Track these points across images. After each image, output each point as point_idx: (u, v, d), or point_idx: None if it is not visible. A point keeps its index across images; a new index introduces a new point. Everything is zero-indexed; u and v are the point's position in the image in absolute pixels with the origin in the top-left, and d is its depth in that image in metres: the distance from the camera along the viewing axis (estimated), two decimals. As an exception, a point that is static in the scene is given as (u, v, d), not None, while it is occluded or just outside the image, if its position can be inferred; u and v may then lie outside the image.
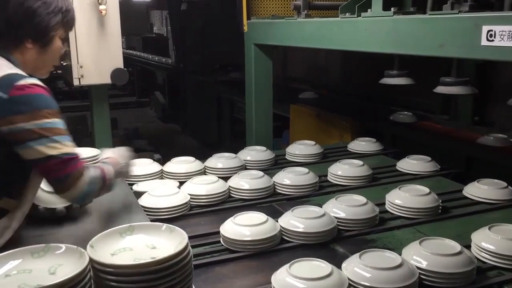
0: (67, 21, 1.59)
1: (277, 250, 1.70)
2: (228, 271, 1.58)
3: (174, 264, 1.03)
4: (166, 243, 1.13)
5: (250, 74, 3.18)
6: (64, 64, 3.02)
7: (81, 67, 2.81)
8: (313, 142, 2.81)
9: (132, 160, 1.80)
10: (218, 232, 1.76)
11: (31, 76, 1.49)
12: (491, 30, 1.52)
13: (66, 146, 1.44)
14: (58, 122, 1.45)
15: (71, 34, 2.82)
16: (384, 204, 2.03)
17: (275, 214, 1.92)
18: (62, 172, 1.43)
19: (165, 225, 1.17)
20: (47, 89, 1.47)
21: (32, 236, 1.62)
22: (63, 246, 1.07)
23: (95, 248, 1.07)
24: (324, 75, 4.80)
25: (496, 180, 2.15)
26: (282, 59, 5.35)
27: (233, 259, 1.65)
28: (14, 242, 1.47)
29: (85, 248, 1.07)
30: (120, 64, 2.90)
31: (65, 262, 1.04)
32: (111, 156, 1.71)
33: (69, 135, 1.48)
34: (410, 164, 2.50)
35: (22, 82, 1.41)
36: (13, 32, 1.50)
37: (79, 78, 2.83)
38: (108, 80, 2.89)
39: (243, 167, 2.49)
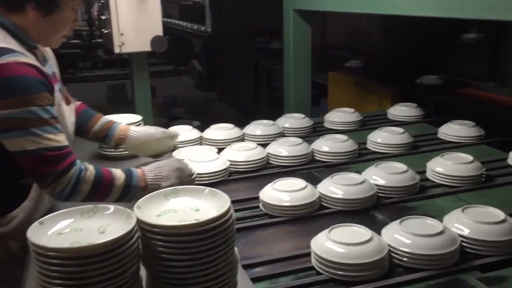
0: None
1: (316, 216, 1.71)
2: (268, 235, 1.61)
3: (218, 226, 1.06)
4: (209, 206, 1.15)
5: (289, 41, 3.14)
6: (105, 32, 3.07)
7: (121, 34, 2.85)
8: (352, 110, 2.77)
9: (182, 176, 1.59)
10: (257, 198, 1.79)
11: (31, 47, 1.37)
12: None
13: (47, 140, 1.28)
14: (40, 111, 1.27)
15: (111, 2, 2.85)
16: (425, 172, 2.00)
17: (313, 180, 1.92)
18: (41, 169, 1.30)
19: (208, 189, 1.20)
20: (34, 68, 1.30)
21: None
22: (111, 207, 1.11)
23: (141, 209, 1.10)
24: (364, 41, 4.69)
25: (543, 149, 2.08)
26: (320, 25, 5.25)
27: (273, 223, 1.67)
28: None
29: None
30: (160, 32, 2.92)
31: (114, 222, 1.08)
32: (143, 168, 1.53)
33: (54, 124, 1.31)
34: (453, 129, 2.44)
35: (4, 59, 1.25)
36: None
37: (120, 46, 2.87)
38: (147, 48, 2.92)
39: (281, 134, 2.50)
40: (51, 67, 1.54)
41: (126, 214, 1.08)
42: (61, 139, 1.32)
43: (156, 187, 1.47)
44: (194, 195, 1.19)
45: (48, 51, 1.58)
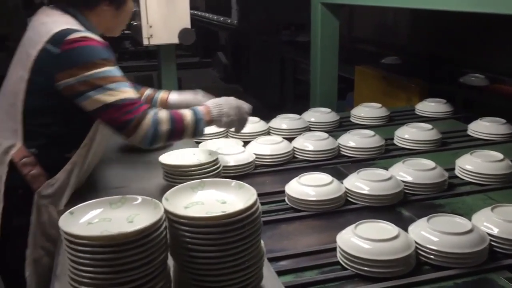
0: None
1: (341, 211, 1.71)
2: (293, 229, 1.62)
3: (244, 218, 1.06)
4: (235, 198, 1.16)
5: (316, 34, 3.12)
6: (134, 24, 3.09)
7: (150, 27, 2.87)
8: (379, 105, 2.74)
9: (240, 113, 1.75)
10: (283, 192, 1.79)
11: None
12: None
13: (122, 92, 1.48)
14: (111, 70, 1.49)
15: (140, -6, 2.87)
16: (453, 169, 1.97)
17: (339, 175, 1.92)
18: (123, 118, 1.48)
19: (234, 182, 1.21)
20: (99, 41, 1.52)
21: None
22: (139, 197, 1.13)
23: (169, 201, 1.12)
24: (392, 35, 4.62)
25: None
26: (347, 19, 5.19)
27: (298, 218, 1.67)
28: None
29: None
30: (188, 24, 2.94)
31: (142, 212, 1.09)
32: (206, 104, 1.70)
33: (125, 81, 1.51)
34: (482, 126, 2.39)
35: (72, 36, 1.47)
36: None
37: (149, 38, 2.90)
38: (175, 40, 2.94)
39: (307, 129, 2.49)
40: None
41: (154, 205, 1.09)
42: (133, 93, 1.53)
43: (218, 122, 1.68)
44: (221, 187, 1.20)
45: None
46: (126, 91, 1.49)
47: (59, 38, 1.47)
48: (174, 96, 2.00)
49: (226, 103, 1.71)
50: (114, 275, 0.99)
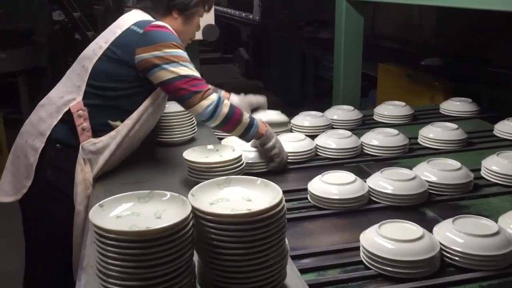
0: (208, 1, 1.96)
1: (364, 210, 1.70)
2: (316, 227, 1.62)
3: (269, 217, 1.07)
4: (261, 196, 1.16)
5: (340, 31, 3.10)
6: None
7: (174, 23, 2.89)
8: (403, 103, 2.72)
9: (283, 152, 1.99)
10: (305, 189, 1.79)
11: None
12: None
13: (192, 70, 1.74)
14: (184, 53, 1.76)
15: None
16: (479, 170, 1.94)
17: (362, 174, 1.90)
18: (191, 89, 1.71)
19: (260, 179, 1.21)
20: (170, 29, 1.79)
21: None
22: (168, 193, 1.14)
23: (195, 196, 1.13)
24: (416, 33, 4.57)
25: None
26: (371, 16, 5.15)
27: (321, 216, 1.67)
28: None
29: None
30: (212, 20, 2.93)
31: (169, 208, 1.11)
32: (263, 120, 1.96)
33: (192, 64, 1.76)
34: (509, 126, 2.35)
35: (156, 23, 1.78)
36: (165, 1, 1.87)
37: (173, 34, 2.91)
38: (199, 36, 2.94)
39: (330, 126, 2.48)
40: None
41: (181, 201, 1.10)
42: (196, 72, 1.77)
43: (268, 139, 1.91)
44: (246, 185, 1.21)
45: None
46: (195, 71, 1.75)
47: (143, 23, 1.77)
48: (235, 98, 2.22)
49: (279, 140, 1.97)
50: (142, 270, 1.00)
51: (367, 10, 4.69)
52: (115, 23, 1.87)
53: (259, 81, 7.92)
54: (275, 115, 2.33)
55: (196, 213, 1.09)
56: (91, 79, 1.78)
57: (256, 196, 1.18)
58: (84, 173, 1.78)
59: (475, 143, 2.30)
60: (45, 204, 1.83)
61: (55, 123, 1.79)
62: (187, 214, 1.04)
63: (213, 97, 1.74)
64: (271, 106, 2.40)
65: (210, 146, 1.89)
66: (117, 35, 1.78)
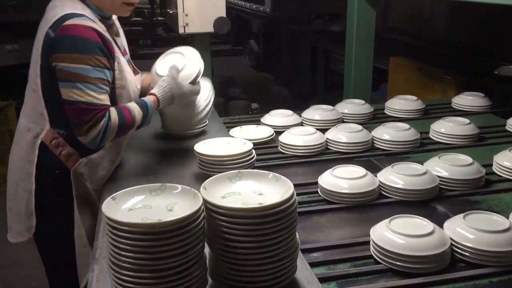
0: None
1: (375, 205, 1.70)
2: (326, 221, 1.62)
3: (281, 211, 1.07)
4: (272, 190, 1.17)
5: (352, 24, 3.08)
6: (170, 12, 3.12)
7: (186, 15, 2.89)
8: (415, 97, 2.70)
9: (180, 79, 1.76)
10: (315, 183, 1.79)
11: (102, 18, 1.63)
12: None
13: (87, 95, 1.50)
14: (89, 70, 1.50)
15: (177, -17, 2.89)
16: (490, 165, 1.93)
17: (373, 168, 1.90)
18: (77, 119, 1.53)
19: (271, 174, 1.21)
20: (96, 32, 1.53)
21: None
22: (179, 186, 1.15)
23: (207, 190, 1.14)
24: (428, 26, 4.53)
25: None
26: (382, 9, 5.10)
27: (331, 210, 1.68)
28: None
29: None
30: (223, 13, 2.93)
31: (180, 201, 1.12)
32: (153, 92, 1.71)
33: (97, 85, 1.52)
34: (522, 122, 2.34)
35: (69, 22, 1.50)
36: None
37: (184, 26, 2.91)
38: (210, 29, 2.95)
39: (341, 120, 2.48)
40: (122, 43, 1.81)
41: (193, 194, 1.11)
42: (101, 98, 1.54)
43: (166, 103, 1.72)
44: (258, 179, 1.21)
45: (120, 30, 1.83)
46: (93, 95, 1.51)
47: (58, 23, 1.51)
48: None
49: (166, 82, 1.74)
50: (153, 262, 1.01)
51: (379, 3, 4.66)
52: (42, 19, 1.63)
53: (269, 74, 7.90)
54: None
55: (208, 206, 1.10)
56: (48, 101, 1.62)
57: (267, 190, 1.18)
58: (83, 188, 1.71)
59: (487, 138, 2.28)
60: (55, 230, 1.76)
61: (35, 160, 1.66)
62: (198, 207, 1.05)
63: (98, 129, 1.53)
64: (281, 98, 2.39)
65: (221, 139, 1.90)
66: (41, 43, 1.57)
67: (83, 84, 1.50)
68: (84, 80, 1.50)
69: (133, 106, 1.65)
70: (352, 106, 2.60)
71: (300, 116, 2.48)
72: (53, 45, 1.52)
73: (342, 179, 1.71)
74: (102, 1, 1.64)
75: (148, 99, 1.70)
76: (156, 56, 1.99)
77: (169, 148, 2.12)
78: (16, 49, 4.96)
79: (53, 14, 1.57)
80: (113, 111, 1.58)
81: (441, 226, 1.43)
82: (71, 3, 1.60)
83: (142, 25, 9.38)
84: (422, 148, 2.19)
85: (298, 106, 2.58)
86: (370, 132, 2.22)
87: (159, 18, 8.49)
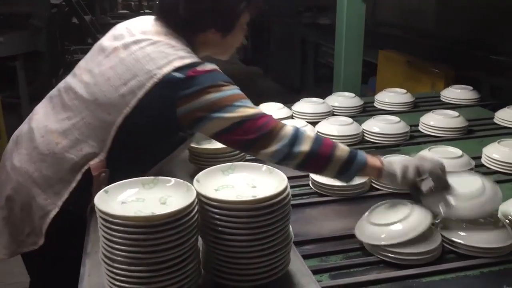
0: (253, 6, 1.51)
1: (366, 197, 1.71)
2: (318, 213, 1.62)
3: (275, 204, 1.08)
4: (266, 183, 1.17)
5: (342, 18, 3.08)
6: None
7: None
8: (404, 90, 2.71)
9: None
10: (307, 176, 1.79)
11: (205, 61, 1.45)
12: None
13: (251, 108, 1.38)
14: (235, 89, 1.41)
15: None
16: (479, 157, 1.95)
17: (364, 161, 1.91)
18: (257, 132, 1.36)
19: (265, 166, 1.21)
20: (218, 69, 1.44)
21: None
22: (172, 179, 1.14)
23: (200, 182, 1.13)
24: (417, 19, 4.54)
25: None
26: (371, 2, 5.11)
27: (322, 202, 1.68)
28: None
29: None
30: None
31: (174, 194, 1.11)
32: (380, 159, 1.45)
33: (248, 100, 1.42)
34: (510, 114, 2.35)
35: (198, 68, 1.38)
36: (198, 21, 1.45)
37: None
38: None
39: (331, 113, 2.48)
40: None
41: (186, 187, 1.11)
42: (258, 109, 1.41)
43: (390, 171, 1.41)
44: (251, 171, 1.21)
45: None
46: (253, 107, 1.40)
47: (184, 69, 1.37)
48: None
49: (402, 160, 1.46)
50: (147, 255, 1.01)
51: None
52: (131, 48, 1.41)
53: (258, 68, 7.89)
54: None
55: (201, 199, 1.09)
56: (120, 133, 1.39)
57: (261, 183, 1.18)
58: None
59: (475, 131, 2.30)
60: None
61: (73, 186, 1.42)
62: (192, 200, 1.04)
63: (286, 132, 1.37)
64: (271, 92, 2.38)
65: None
66: (154, 81, 1.35)
67: (240, 101, 1.38)
68: (239, 98, 1.39)
69: (340, 144, 1.43)
70: (343, 99, 2.61)
71: (291, 109, 2.47)
72: (187, 85, 1.36)
73: (333, 172, 1.71)
74: (217, 51, 1.58)
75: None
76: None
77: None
78: (2, 42, 4.88)
79: (164, 55, 1.40)
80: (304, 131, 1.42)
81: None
82: (177, 43, 1.45)
83: (129, 17, 9.30)
84: (412, 141, 2.20)
85: (287, 100, 2.57)
86: (360, 125, 2.23)
87: (146, 10, 8.43)
